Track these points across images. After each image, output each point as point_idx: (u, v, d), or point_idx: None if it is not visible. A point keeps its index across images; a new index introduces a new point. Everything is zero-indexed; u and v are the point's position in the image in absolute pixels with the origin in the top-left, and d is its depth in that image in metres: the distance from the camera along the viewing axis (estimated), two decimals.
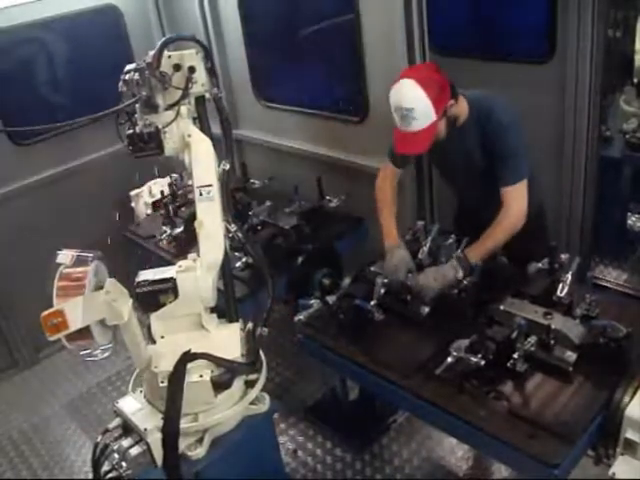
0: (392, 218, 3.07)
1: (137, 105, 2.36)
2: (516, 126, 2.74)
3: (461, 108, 2.79)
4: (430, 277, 2.75)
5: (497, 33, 3.61)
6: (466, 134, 2.83)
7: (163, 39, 2.39)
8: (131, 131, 2.39)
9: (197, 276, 2.44)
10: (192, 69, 2.39)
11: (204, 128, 2.55)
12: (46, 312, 2.00)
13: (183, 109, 2.42)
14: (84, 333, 2.10)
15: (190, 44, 2.46)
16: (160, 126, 2.37)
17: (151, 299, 2.44)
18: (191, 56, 2.40)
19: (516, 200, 2.74)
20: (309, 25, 4.39)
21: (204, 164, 2.46)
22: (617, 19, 4.14)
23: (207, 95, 2.51)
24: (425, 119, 2.62)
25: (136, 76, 2.29)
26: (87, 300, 2.08)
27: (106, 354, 2.30)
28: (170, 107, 2.37)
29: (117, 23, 4.73)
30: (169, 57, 2.37)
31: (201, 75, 2.43)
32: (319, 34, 4.32)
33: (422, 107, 2.59)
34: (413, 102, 2.60)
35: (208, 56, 2.48)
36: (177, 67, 2.37)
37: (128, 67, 2.32)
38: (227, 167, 2.52)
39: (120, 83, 2.35)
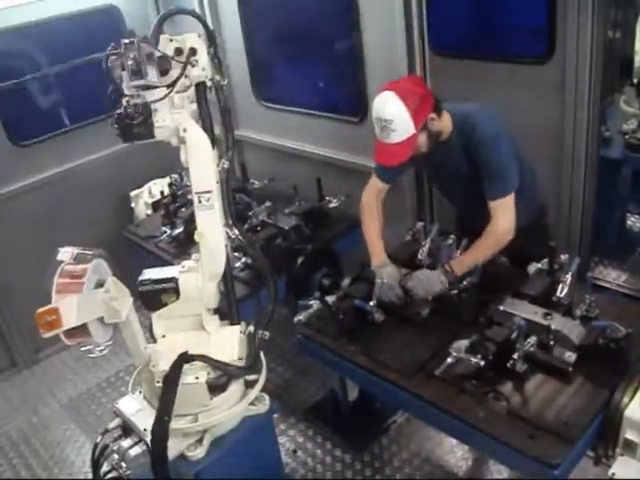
0: (378, 236, 3.07)
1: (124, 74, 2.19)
2: (501, 139, 2.71)
3: (444, 123, 2.78)
4: (419, 287, 2.78)
5: (496, 33, 3.59)
6: (451, 149, 2.83)
7: (161, 13, 2.26)
8: (120, 110, 2.25)
9: (199, 285, 2.43)
10: (193, 51, 2.24)
11: (205, 119, 2.38)
12: (41, 309, 1.99)
13: (177, 98, 2.28)
14: (81, 330, 2.10)
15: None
16: (149, 99, 2.21)
17: (153, 298, 2.44)
18: (193, 38, 2.25)
19: (503, 214, 2.73)
20: (309, 26, 4.39)
21: (202, 167, 2.35)
22: (617, 19, 4.13)
23: (209, 83, 2.34)
24: (404, 131, 2.63)
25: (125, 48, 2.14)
26: (84, 298, 2.08)
27: (104, 351, 2.29)
28: (168, 87, 2.21)
29: (117, 24, 4.73)
30: (170, 40, 2.23)
31: (203, 58, 2.27)
32: (319, 35, 4.33)
33: (401, 120, 2.61)
34: (392, 114, 2.61)
35: (211, 39, 2.33)
36: (179, 51, 2.23)
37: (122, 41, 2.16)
38: (227, 165, 2.41)
39: (110, 58, 2.19)
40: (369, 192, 3.12)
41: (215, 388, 2.40)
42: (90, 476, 2.49)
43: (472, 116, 2.76)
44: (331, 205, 4.04)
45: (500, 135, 2.71)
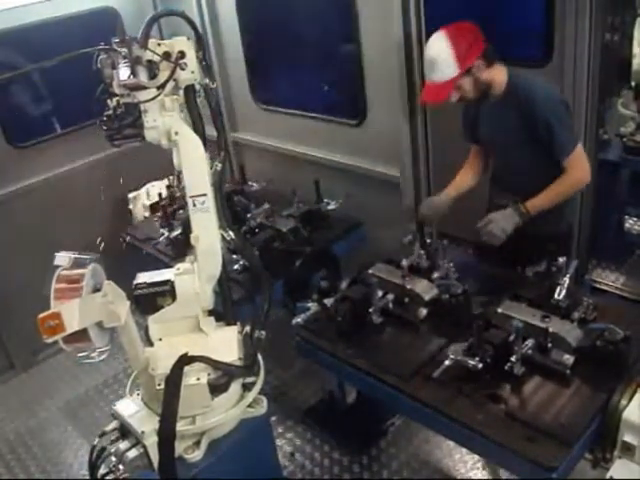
0: (456, 186, 3.16)
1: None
2: (559, 101, 2.77)
3: (496, 75, 2.83)
4: (495, 226, 2.80)
5: (494, 36, 3.60)
6: (505, 108, 2.85)
7: (152, 14, 2.26)
8: (109, 112, 2.23)
9: (195, 288, 2.43)
10: (182, 54, 2.22)
11: (196, 122, 2.37)
12: (43, 314, 1.99)
13: (168, 101, 2.26)
14: (81, 335, 2.10)
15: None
16: (140, 98, 2.18)
17: (149, 301, 2.44)
18: (182, 42, 2.23)
19: (580, 164, 2.78)
20: (308, 29, 4.40)
21: (196, 170, 2.35)
22: (614, 23, 4.13)
23: (197, 86, 2.32)
24: (447, 71, 2.72)
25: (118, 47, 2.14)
26: (84, 303, 2.07)
27: (103, 356, 2.29)
28: (157, 88, 2.19)
29: (115, 26, 4.72)
30: (159, 45, 2.20)
31: (192, 62, 2.24)
32: (318, 38, 4.33)
33: (445, 58, 2.71)
34: (437, 52, 2.73)
35: (200, 41, 2.31)
36: (167, 55, 2.20)
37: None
38: (219, 167, 2.41)
39: (101, 57, 2.19)
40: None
41: (216, 389, 2.40)
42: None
43: (529, 81, 2.81)
44: (329, 207, 4.04)
45: (557, 97, 2.79)
